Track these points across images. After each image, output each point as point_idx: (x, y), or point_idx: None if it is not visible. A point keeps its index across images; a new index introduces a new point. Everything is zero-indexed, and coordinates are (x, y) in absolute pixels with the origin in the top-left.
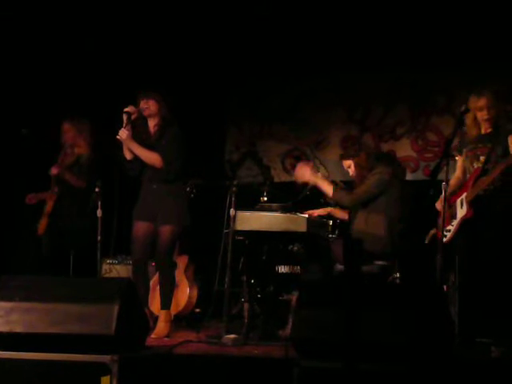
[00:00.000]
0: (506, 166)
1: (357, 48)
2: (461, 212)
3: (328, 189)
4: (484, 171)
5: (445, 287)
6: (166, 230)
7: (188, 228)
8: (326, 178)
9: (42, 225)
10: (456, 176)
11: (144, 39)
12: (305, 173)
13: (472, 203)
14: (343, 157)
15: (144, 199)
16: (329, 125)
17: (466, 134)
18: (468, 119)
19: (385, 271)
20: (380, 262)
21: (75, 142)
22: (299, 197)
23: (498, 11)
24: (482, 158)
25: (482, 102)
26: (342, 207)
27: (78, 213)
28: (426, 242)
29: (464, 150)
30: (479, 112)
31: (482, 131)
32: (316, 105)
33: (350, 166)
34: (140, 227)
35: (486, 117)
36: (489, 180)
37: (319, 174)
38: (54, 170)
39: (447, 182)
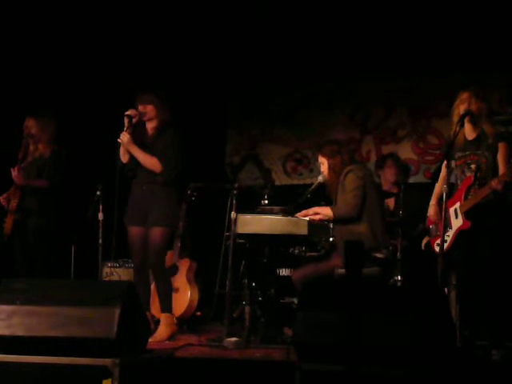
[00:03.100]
0: (494, 189)
1: (357, 52)
2: (456, 223)
3: (326, 211)
4: (475, 180)
5: (445, 290)
6: (156, 232)
7: (188, 231)
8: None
9: (8, 223)
10: (441, 178)
11: (146, 41)
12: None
13: (467, 214)
14: (320, 150)
15: (133, 202)
16: (330, 127)
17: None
18: (455, 116)
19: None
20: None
21: (39, 138)
22: (300, 200)
23: (498, 15)
24: (472, 167)
25: (465, 94)
26: (346, 220)
27: (41, 210)
28: (423, 248)
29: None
30: (461, 105)
31: (468, 137)
32: (317, 108)
33: (323, 162)
34: (134, 233)
35: (465, 109)
36: (483, 195)
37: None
38: (17, 179)
39: (448, 185)
